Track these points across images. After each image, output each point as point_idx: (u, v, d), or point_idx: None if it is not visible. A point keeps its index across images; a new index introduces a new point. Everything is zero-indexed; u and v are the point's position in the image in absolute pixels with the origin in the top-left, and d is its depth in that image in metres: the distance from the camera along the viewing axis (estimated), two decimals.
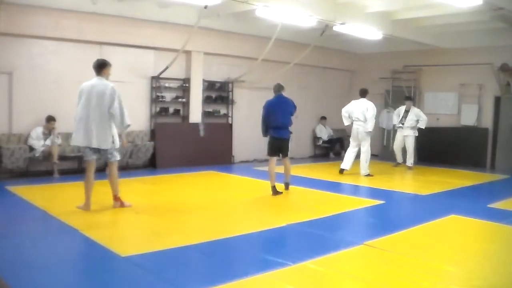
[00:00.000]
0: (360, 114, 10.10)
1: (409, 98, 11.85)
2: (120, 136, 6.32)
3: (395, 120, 11.72)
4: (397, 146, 11.66)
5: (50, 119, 8.83)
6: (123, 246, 4.68)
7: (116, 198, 6.36)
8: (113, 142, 6.12)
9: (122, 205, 6.36)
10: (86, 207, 6.12)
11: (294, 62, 11.67)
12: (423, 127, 11.46)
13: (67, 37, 9.20)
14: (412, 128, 11.37)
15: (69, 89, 9.37)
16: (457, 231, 5.86)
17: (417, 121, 11.34)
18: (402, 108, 11.62)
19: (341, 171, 10.24)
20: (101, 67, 6.28)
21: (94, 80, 6.21)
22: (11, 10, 8.31)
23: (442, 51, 12.67)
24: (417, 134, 11.56)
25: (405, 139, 11.43)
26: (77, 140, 6.11)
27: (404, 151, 11.56)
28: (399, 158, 11.66)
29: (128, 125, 6.19)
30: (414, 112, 11.41)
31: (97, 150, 6.13)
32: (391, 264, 4.38)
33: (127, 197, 7.45)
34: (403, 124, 11.43)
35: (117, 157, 6.28)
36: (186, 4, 9.37)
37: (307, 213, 6.39)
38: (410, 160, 11.41)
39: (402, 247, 4.98)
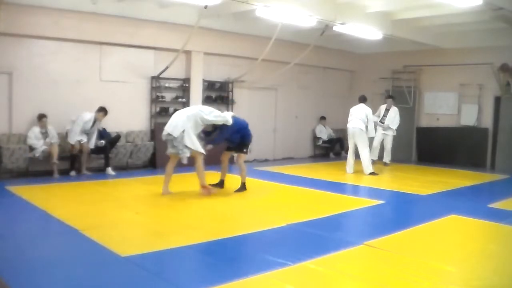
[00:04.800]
0: (357, 114, 10.30)
1: (391, 96, 12.01)
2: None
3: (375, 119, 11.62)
4: (376, 144, 11.71)
5: (42, 117, 8.78)
6: (123, 246, 4.68)
7: (203, 187, 7.32)
8: (185, 138, 6.98)
9: (209, 192, 7.32)
10: (163, 191, 7.35)
11: (294, 62, 11.67)
12: (394, 128, 11.68)
13: (67, 37, 9.21)
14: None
15: (69, 89, 9.41)
16: (457, 231, 5.86)
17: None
18: (383, 107, 11.84)
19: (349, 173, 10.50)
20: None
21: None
22: (11, 10, 8.31)
23: (442, 51, 12.67)
24: (395, 134, 11.72)
25: (384, 137, 11.64)
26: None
27: (382, 149, 11.79)
28: (374, 155, 11.63)
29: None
30: (394, 110, 11.66)
31: (172, 145, 7.13)
32: (391, 264, 4.38)
33: (127, 197, 7.47)
34: (383, 122, 11.61)
35: (187, 153, 7.09)
36: (186, 4, 9.37)
37: (307, 213, 6.39)
38: (387, 158, 11.65)
39: (402, 247, 4.99)
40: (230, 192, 7.75)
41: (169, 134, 7.09)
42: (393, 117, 11.64)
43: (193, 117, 7.11)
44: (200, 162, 7.19)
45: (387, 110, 11.76)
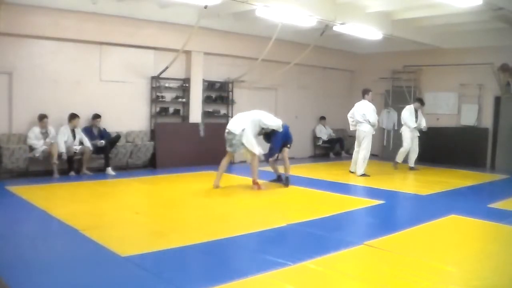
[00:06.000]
0: (360, 116, 10.22)
1: (419, 99, 11.56)
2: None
3: (412, 120, 11.16)
4: (408, 148, 11.18)
5: (43, 117, 8.78)
6: (123, 246, 4.68)
7: (254, 182, 7.86)
8: (243, 136, 7.61)
9: (259, 188, 7.83)
10: (214, 184, 7.91)
11: (294, 62, 11.67)
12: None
13: (67, 37, 9.21)
14: None
15: (69, 89, 9.42)
16: (457, 231, 5.86)
17: None
18: (412, 108, 11.25)
19: (352, 172, 10.44)
20: None
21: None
22: (11, 10, 8.32)
23: (442, 51, 12.67)
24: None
25: (415, 140, 11.28)
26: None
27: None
28: (400, 158, 11.33)
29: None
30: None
31: (231, 143, 7.72)
32: (391, 264, 4.38)
33: (127, 197, 7.47)
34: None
35: (241, 150, 7.81)
36: (186, 4, 9.37)
37: (307, 213, 6.39)
38: (413, 161, 11.32)
39: (402, 247, 4.98)
40: (230, 192, 7.76)
41: (229, 132, 7.69)
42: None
43: (254, 121, 7.85)
44: (255, 160, 7.84)
45: (416, 111, 11.24)
